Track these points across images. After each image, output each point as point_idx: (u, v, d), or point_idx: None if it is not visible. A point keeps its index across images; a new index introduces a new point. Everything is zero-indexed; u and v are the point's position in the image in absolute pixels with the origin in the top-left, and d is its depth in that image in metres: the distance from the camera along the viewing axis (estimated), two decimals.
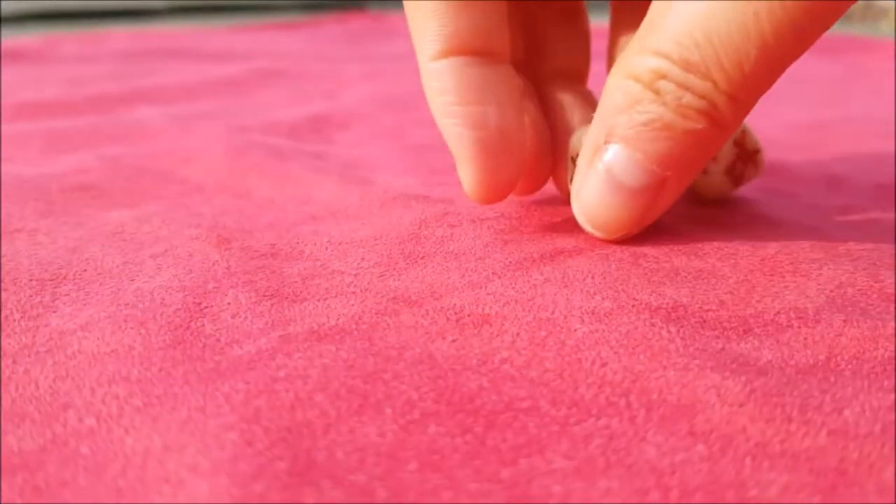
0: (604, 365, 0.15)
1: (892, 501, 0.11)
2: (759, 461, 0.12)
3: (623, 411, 0.14)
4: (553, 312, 0.17)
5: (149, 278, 0.19)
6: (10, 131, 0.34)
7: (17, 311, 0.18)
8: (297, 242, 0.21)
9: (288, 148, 0.31)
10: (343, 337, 0.16)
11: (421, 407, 0.14)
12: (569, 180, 0.22)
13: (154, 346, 0.16)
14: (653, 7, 0.18)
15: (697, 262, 0.20)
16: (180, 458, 0.12)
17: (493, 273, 0.19)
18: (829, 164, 0.30)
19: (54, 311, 0.18)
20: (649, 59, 0.17)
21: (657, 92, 0.17)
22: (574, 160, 0.22)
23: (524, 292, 0.18)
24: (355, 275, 0.19)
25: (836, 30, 0.92)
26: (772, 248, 0.21)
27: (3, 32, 0.82)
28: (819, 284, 0.18)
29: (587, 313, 0.17)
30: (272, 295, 0.18)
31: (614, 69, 0.18)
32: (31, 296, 0.18)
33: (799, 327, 0.17)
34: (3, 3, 0.99)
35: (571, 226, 0.22)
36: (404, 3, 0.19)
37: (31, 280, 0.19)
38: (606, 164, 0.19)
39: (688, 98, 0.17)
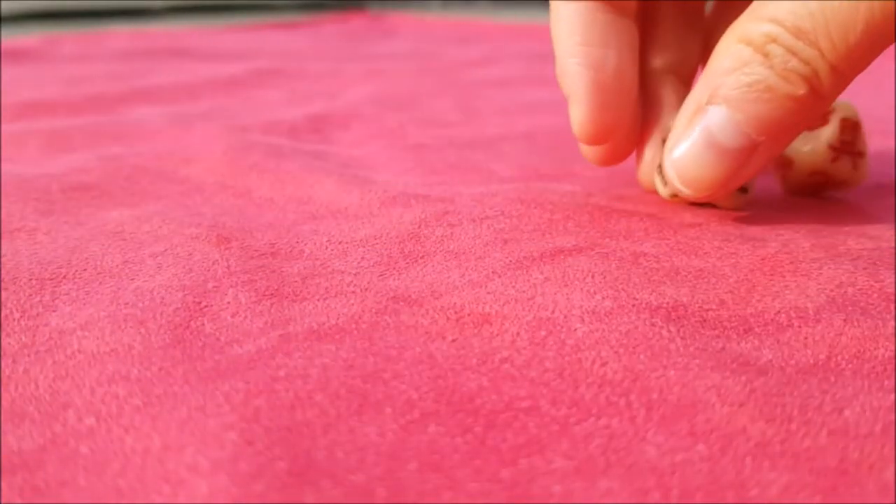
0: (604, 364, 0.15)
1: (893, 501, 0.11)
2: (759, 461, 0.12)
3: (623, 411, 0.14)
4: (553, 312, 0.17)
5: (149, 277, 0.19)
6: (10, 131, 0.34)
7: (17, 310, 0.18)
8: (297, 242, 0.21)
9: (288, 148, 0.31)
10: (343, 336, 0.16)
11: (421, 407, 0.14)
12: (657, 163, 0.23)
13: (154, 346, 0.16)
14: None
15: (697, 261, 0.20)
16: (180, 458, 0.12)
17: (493, 272, 0.19)
18: None
19: (54, 311, 0.18)
20: (763, 24, 0.18)
21: (766, 55, 0.18)
22: (664, 141, 0.23)
23: (524, 291, 0.18)
24: (355, 274, 0.19)
25: None
26: (772, 247, 0.21)
27: (3, 32, 0.82)
28: (819, 284, 0.18)
29: (587, 313, 0.17)
30: (272, 294, 0.18)
31: (726, 35, 0.19)
32: (30, 295, 0.18)
33: (799, 327, 0.16)
34: (3, 2, 0.99)
35: (572, 225, 0.22)
36: None
37: (31, 279, 0.19)
38: (706, 122, 0.20)
39: (793, 63, 0.18)
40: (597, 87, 0.21)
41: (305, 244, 0.21)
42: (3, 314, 0.17)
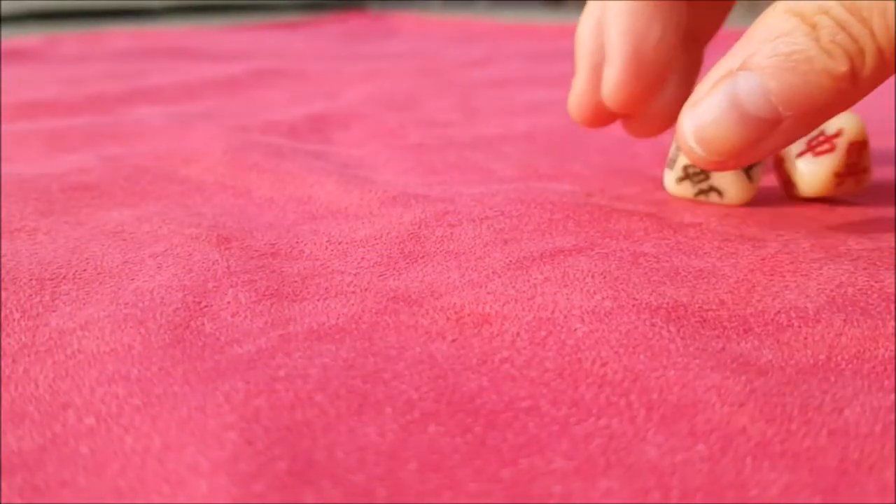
0: (604, 365, 0.15)
1: (893, 501, 0.11)
2: (759, 461, 0.12)
3: (623, 411, 0.14)
4: (553, 312, 0.17)
5: (149, 277, 0.19)
6: (10, 131, 0.34)
7: (17, 310, 0.18)
8: (297, 242, 0.21)
9: (288, 148, 0.31)
10: (343, 336, 0.16)
11: (421, 407, 0.14)
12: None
13: (154, 346, 0.16)
14: None
15: (697, 261, 0.20)
16: (180, 458, 0.12)
17: (492, 272, 0.19)
18: None
19: (54, 311, 0.18)
20: None
21: (814, 26, 0.18)
22: None
23: (524, 291, 0.18)
24: (355, 274, 0.19)
25: None
26: (772, 247, 0.21)
27: (3, 32, 0.82)
28: (819, 284, 0.18)
29: (587, 313, 0.17)
30: (272, 294, 0.18)
31: (773, 7, 0.19)
32: (30, 295, 0.18)
33: (799, 327, 0.16)
34: (3, 2, 0.99)
35: (572, 225, 0.22)
36: None
37: (31, 279, 0.19)
38: (734, 86, 0.19)
39: (841, 37, 0.18)
40: (635, 54, 0.22)
41: (305, 244, 0.21)
42: (3, 314, 0.17)
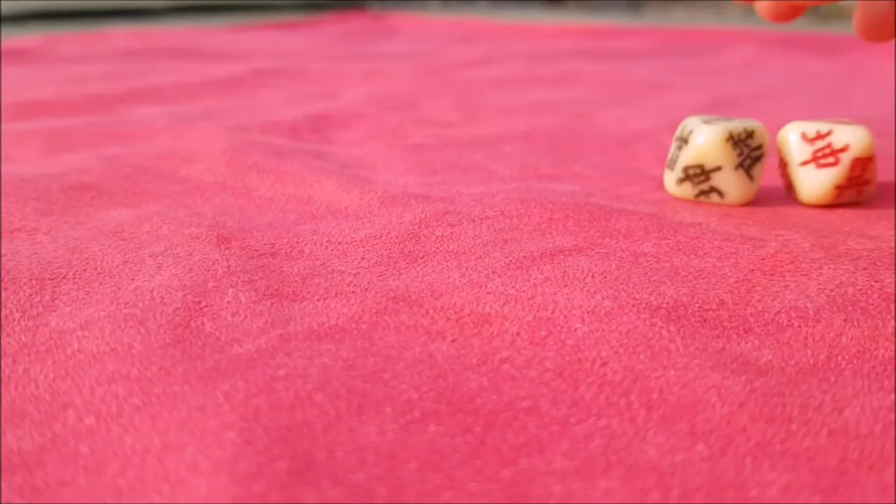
0: (604, 364, 0.15)
1: (893, 501, 0.11)
2: (759, 461, 0.12)
3: (623, 411, 0.14)
4: (553, 312, 0.17)
5: (149, 277, 0.19)
6: (10, 131, 0.34)
7: (17, 310, 0.18)
8: (297, 242, 0.21)
9: (288, 148, 0.31)
10: (343, 336, 0.16)
11: (421, 407, 0.14)
12: None
13: (154, 345, 0.16)
14: None
15: (697, 261, 0.20)
16: (180, 458, 0.12)
17: (493, 272, 0.19)
18: None
19: (54, 311, 0.18)
20: None
21: None
22: None
23: (524, 291, 0.18)
24: (355, 274, 0.19)
25: (837, 29, 0.92)
26: (772, 247, 0.21)
27: (3, 32, 0.82)
28: (819, 284, 0.18)
29: (587, 312, 0.17)
30: (272, 294, 0.18)
31: None
32: (30, 295, 0.18)
33: (799, 327, 0.16)
34: (3, 2, 0.99)
35: (572, 225, 0.22)
36: None
37: (31, 279, 0.19)
38: None
39: None
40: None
41: (305, 244, 0.21)
42: (3, 314, 0.17)
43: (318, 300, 0.18)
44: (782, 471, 0.12)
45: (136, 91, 0.45)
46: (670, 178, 0.25)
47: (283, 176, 0.27)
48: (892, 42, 0.24)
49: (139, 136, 0.34)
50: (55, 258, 0.20)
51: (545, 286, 0.18)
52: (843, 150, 0.23)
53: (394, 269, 0.20)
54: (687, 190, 0.25)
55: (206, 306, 0.17)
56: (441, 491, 0.12)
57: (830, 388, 0.14)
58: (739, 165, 0.24)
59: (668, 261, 0.20)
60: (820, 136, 0.24)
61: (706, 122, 0.24)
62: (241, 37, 0.80)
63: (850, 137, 0.23)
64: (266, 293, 0.18)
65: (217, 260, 0.20)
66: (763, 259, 0.20)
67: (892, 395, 0.14)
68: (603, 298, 0.17)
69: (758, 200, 0.25)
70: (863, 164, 0.24)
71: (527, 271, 0.19)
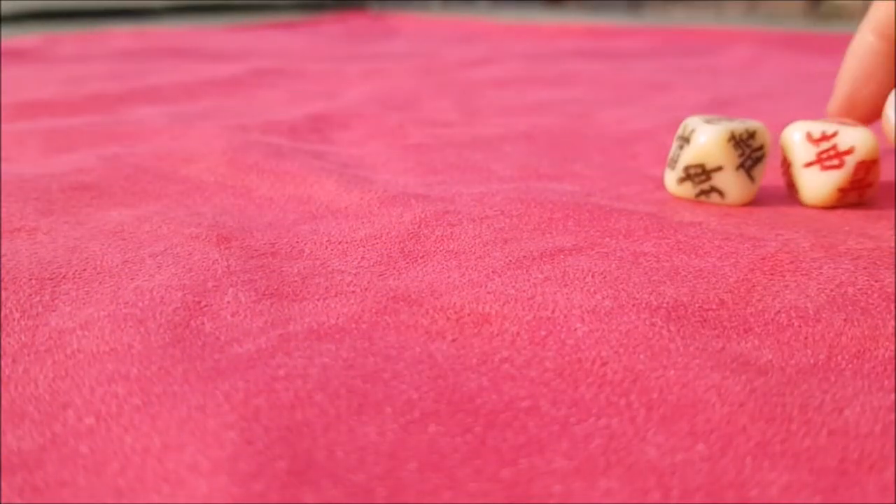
0: (604, 364, 0.15)
1: (893, 502, 0.11)
2: (759, 461, 0.12)
3: (623, 411, 0.14)
4: (553, 311, 0.17)
5: (148, 277, 0.19)
6: (10, 131, 0.34)
7: (17, 310, 0.18)
8: (297, 241, 0.21)
9: (288, 148, 0.31)
10: (343, 336, 0.16)
11: (421, 407, 0.14)
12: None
13: (153, 345, 0.16)
14: None
15: (697, 260, 0.20)
16: (180, 457, 0.12)
17: (492, 272, 0.19)
18: None
19: (54, 311, 0.18)
20: None
21: None
22: None
23: (524, 291, 0.18)
24: (355, 274, 0.19)
25: (837, 29, 0.92)
26: (772, 246, 0.21)
27: (3, 32, 0.82)
28: (819, 283, 0.18)
29: (587, 312, 0.17)
30: (272, 294, 0.18)
31: None
32: (30, 295, 0.18)
33: (799, 326, 0.16)
34: (3, 2, 0.99)
35: (572, 224, 0.22)
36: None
37: (31, 279, 0.19)
38: None
39: None
40: (848, 100, 0.27)
41: (305, 244, 0.21)
42: (3, 314, 0.17)
43: (318, 300, 0.18)
44: (782, 471, 0.12)
45: (135, 91, 0.45)
46: (671, 178, 0.25)
47: (283, 176, 0.27)
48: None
49: (139, 136, 0.34)
50: (55, 258, 0.20)
51: (545, 286, 0.18)
52: (849, 152, 0.23)
53: (394, 268, 0.20)
54: (687, 189, 0.25)
55: (205, 306, 0.17)
56: (441, 491, 0.12)
57: (830, 388, 0.14)
58: (740, 166, 0.24)
59: (668, 260, 0.20)
60: (825, 138, 0.24)
61: (708, 121, 0.24)
62: (240, 37, 0.80)
63: (856, 139, 0.23)
64: (266, 293, 0.18)
65: (217, 260, 0.20)
66: (763, 259, 0.20)
67: (892, 395, 0.14)
68: (603, 298, 0.17)
69: (758, 200, 0.25)
70: (867, 167, 0.24)
71: (527, 271, 0.19)
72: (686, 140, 0.24)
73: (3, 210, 0.24)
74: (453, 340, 0.16)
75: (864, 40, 0.27)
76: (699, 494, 0.12)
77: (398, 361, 0.15)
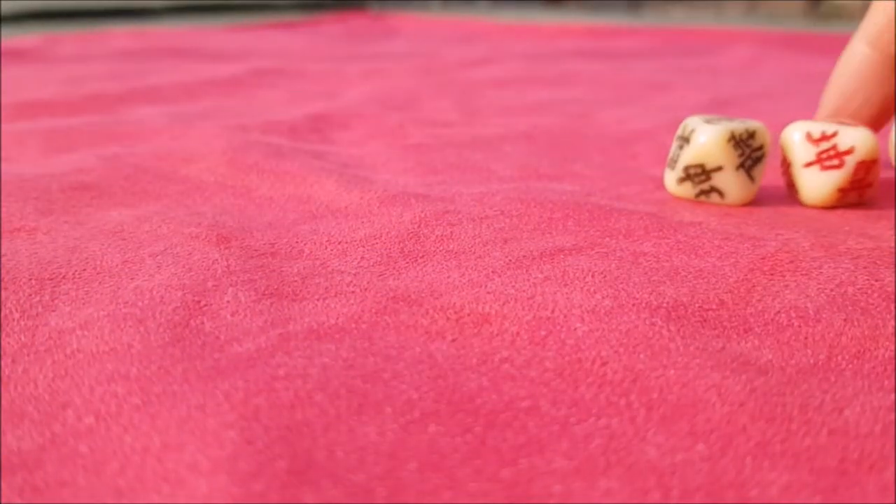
0: (604, 364, 0.15)
1: (893, 502, 0.11)
2: (759, 461, 0.12)
3: (623, 411, 0.14)
4: (553, 311, 0.17)
5: (148, 277, 0.19)
6: (10, 131, 0.34)
7: (17, 310, 0.18)
8: (297, 241, 0.21)
9: (288, 147, 0.31)
10: (343, 336, 0.16)
11: (421, 407, 0.14)
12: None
13: (153, 345, 0.16)
14: None
15: (697, 260, 0.20)
16: (179, 457, 0.12)
17: (492, 272, 0.19)
18: None
19: (54, 310, 0.18)
20: None
21: None
22: None
23: (524, 291, 0.18)
24: (355, 274, 0.19)
25: (837, 29, 0.92)
26: (771, 246, 0.21)
27: (3, 32, 0.82)
28: (819, 283, 0.18)
29: (587, 312, 0.17)
30: (272, 293, 0.18)
31: None
32: (30, 295, 0.18)
33: (799, 326, 0.16)
34: (3, 2, 0.99)
35: (571, 224, 0.22)
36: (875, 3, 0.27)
37: (31, 279, 0.19)
38: None
39: None
40: (836, 113, 0.27)
41: (305, 244, 0.21)
42: (3, 314, 0.17)
43: (318, 300, 0.18)
44: (782, 471, 0.12)
45: (135, 91, 0.45)
46: (671, 178, 0.25)
47: (282, 176, 0.27)
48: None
49: (139, 136, 0.34)
50: (55, 258, 0.20)
51: (545, 286, 0.18)
52: (849, 152, 0.23)
53: (394, 268, 0.20)
54: (687, 189, 0.25)
55: (205, 305, 0.17)
56: (441, 491, 0.12)
57: (830, 388, 0.14)
58: (740, 166, 0.24)
59: (668, 260, 0.20)
60: (825, 138, 0.24)
61: (708, 121, 0.24)
62: (240, 37, 0.80)
63: (856, 140, 0.23)
64: (266, 293, 0.18)
65: (217, 259, 0.20)
66: (763, 258, 0.20)
67: (892, 395, 0.14)
68: (603, 298, 0.17)
69: (758, 200, 0.25)
70: (867, 168, 0.24)
71: (527, 271, 0.19)
72: (686, 140, 0.24)
73: (3, 210, 0.24)
74: (453, 340, 0.16)
75: (859, 51, 0.27)
76: (699, 494, 0.12)
77: (398, 361, 0.15)
